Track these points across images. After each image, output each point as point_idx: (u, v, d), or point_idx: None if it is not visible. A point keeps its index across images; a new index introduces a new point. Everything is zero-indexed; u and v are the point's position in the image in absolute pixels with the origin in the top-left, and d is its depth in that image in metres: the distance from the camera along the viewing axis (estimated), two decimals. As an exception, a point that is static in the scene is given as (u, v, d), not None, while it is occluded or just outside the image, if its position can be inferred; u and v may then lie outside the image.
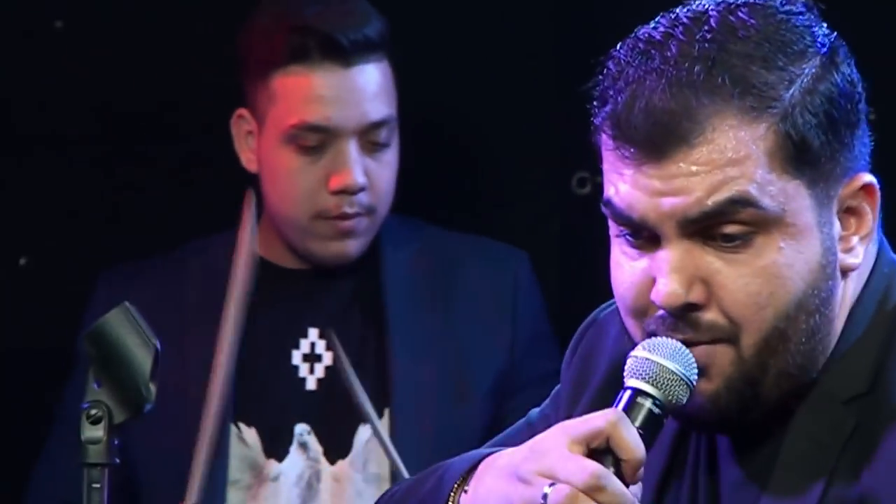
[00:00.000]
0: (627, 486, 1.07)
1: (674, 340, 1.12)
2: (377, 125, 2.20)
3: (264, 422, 2.21)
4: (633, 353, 1.13)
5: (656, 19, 1.16)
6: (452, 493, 1.17)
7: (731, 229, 1.11)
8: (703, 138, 1.10)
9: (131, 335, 1.79)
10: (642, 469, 1.08)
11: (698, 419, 1.15)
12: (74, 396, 1.57)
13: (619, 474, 1.07)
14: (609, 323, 1.28)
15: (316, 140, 2.18)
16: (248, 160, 2.23)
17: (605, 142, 1.13)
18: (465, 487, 1.16)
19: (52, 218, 2.57)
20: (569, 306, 1.62)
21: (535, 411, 1.35)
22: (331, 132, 2.18)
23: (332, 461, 2.20)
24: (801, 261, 1.11)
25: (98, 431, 1.55)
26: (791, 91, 1.10)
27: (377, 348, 2.23)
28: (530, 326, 2.26)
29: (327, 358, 2.20)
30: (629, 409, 1.10)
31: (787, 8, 1.14)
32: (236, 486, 2.19)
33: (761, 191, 1.10)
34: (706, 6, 1.15)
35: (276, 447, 2.21)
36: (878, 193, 1.15)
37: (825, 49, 1.13)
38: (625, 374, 1.12)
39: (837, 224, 1.13)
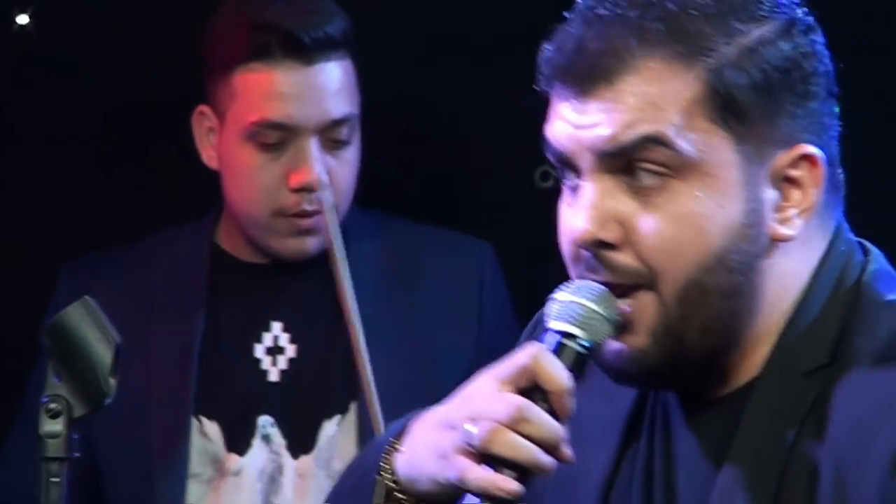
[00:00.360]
0: (559, 419, 1.09)
1: (593, 282, 1.14)
2: (338, 123, 2.21)
3: (226, 415, 2.22)
4: (554, 295, 1.15)
5: None
6: (386, 455, 1.19)
7: (647, 167, 1.13)
8: (626, 77, 1.12)
9: (92, 329, 1.79)
10: (572, 400, 1.10)
11: (625, 373, 1.17)
12: (36, 390, 1.56)
13: (552, 410, 1.09)
14: None
15: (276, 137, 2.18)
16: (208, 157, 2.24)
17: (548, 83, 1.17)
18: (399, 448, 1.18)
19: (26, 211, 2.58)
20: (534, 300, 1.64)
21: None
22: (291, 129, 2.19)
23: (295, 456, 2.20)
24: (720, 215, 1.13)
25: (57, 425, 1.54)
26: (729, 47, 1.12)
27: (343, 342, 2.22)
28: (497, 319, 2.27)
29: (290, 351, 2.21)
30: (556, 351, 1.12)
31: None
32: (197, 480, 2.18)
33: (679, 134, 1.12)
34: None
35: (239, 441, 2.21)
36: (824, 169, 1.15)
37: (783, 17, 1.14)
38: (546, 317, 1.14)
39: (773, 191, 1.15)
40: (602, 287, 1.14)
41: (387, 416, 2.16)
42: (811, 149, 1.14)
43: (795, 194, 1.15)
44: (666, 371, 1.15)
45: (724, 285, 1.13)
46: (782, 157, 1.14)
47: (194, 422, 2.18)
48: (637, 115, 1.12)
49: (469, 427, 1.09)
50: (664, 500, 1.17)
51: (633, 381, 1.18)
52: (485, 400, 1.10)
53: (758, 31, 1.13)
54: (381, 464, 1.20)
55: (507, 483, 1.08)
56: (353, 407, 2.22)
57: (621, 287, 1.15)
